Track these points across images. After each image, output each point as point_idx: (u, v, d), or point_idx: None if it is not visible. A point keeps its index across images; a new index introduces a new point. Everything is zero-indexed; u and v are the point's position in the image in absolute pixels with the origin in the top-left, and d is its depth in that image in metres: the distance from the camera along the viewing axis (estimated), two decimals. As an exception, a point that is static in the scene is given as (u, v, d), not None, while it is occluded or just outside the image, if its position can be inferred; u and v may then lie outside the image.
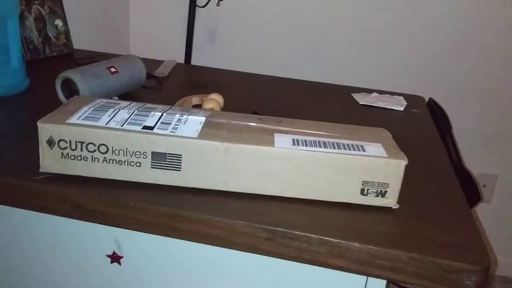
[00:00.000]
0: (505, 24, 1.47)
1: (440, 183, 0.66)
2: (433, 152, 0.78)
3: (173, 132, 0.56)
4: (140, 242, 0.60)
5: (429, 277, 0.50)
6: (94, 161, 0.55)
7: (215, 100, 0.83)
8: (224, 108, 0.86)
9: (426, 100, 1.08)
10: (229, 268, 0.59)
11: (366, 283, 0.57)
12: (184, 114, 0.60)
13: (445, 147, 0.83)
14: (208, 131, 0.57)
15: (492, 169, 1.62)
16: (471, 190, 1.03)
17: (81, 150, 0.55)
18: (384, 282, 0.57)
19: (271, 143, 0.55)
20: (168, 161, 0.55)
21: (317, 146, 0.55)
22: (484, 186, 1.62)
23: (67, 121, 0.55)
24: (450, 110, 1.55)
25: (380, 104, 0.98)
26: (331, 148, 0.55)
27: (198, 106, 0.88)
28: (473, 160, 1.61)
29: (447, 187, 0.65)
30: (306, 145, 0.55)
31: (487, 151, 1.61)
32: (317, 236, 0.50)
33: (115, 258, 0.63)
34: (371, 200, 0.56)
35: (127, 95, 0.89)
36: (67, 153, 0.55)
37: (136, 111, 0.60)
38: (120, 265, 0.63)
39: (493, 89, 1.54)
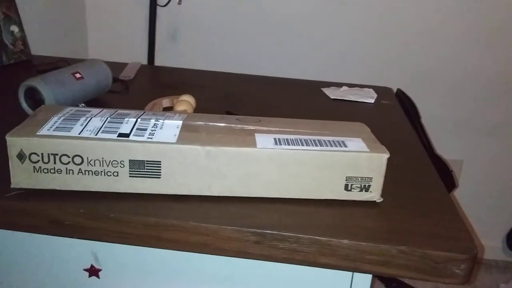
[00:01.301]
0: (469, 14, 1.51)
1: (418, 173, 0.67)
2: (407, 142, 0.79)
3: (150, 138, 0.54)
4: (118, 253, 0.58)
5: (419, 268, 0.50)
6: (69, 173, 0.53)
7: (187, 102, 0.81)
8: (196, 109, 0.84)
9: (394, 90, 1.09)
10: (217, 275, 0.57)
11: (352, 277, 0.57)
12: (160, 119, 0.58)
13: (417, 136, 0.85)
14: (187, 134, 0.55)
15: (457, 155, 1.66)
16: (446, 177, 1.05)
17: (54, 163, 0.52)
18: (370, 275, 0.57)
19: (253, 144, 0.54)
20: (147, 169, 0.53)
21: (299, 145, 0.55)
22: (451, 171, 1.66)
23: (37, 133, 0.52)
24: (413, 98, 1.58)
25: (351, 98, 0.98)
26: (313, 145, 0.55)
27: (169, 109, 0.86)
28: (439, 147, 1.64)
29: (425, 176, 0.66)
30: (288, 144, 0.55)
31: (452, 138, 1.65)
32: (307, 236, 0.49)
33: (93, 271, 0.61)
34: (356, 195, 0.56)
35: (94, 101, 0.86)
36: (40, 167, 0.52)
37: (109, 118, 0.57)
38: (99, 278, 0.61)
39: (455, 76, 1.58)
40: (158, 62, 1.58)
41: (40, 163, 0.52)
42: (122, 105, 0.86)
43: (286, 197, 0.56)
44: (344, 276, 0.56)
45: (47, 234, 0.54)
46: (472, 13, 1.50)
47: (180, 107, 0.80)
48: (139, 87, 0.99)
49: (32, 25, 1.30)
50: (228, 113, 0.85)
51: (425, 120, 1.59)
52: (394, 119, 0.90)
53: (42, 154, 0.52)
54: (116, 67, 1.10)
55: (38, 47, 1.25)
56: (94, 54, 1.66)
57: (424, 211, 0.56)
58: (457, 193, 1.72)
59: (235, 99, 0.95)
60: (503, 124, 1.63)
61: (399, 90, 1.08)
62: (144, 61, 1.56)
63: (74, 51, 1.59)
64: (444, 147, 1.65)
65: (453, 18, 1.51)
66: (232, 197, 0.55)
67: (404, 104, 1.00)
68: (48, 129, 0.53)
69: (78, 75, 0.81)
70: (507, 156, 1.67)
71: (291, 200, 0.56)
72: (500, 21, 1.50)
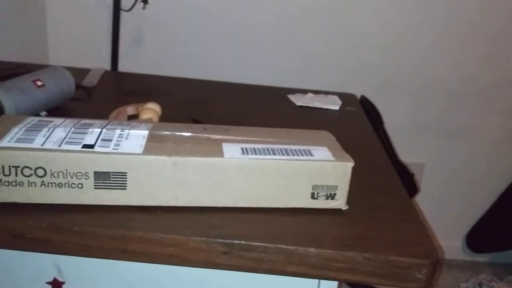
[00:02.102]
0: (432, 22, 1.55)
1: (382, 180, 0.68)
2: (371, 148, 0.81)
3: (116, 149, 0.53)
4: (82, 265, 0.57)
5: (383, 274, 0.51)
6: (31, 186, 0.52)
7: (152, 110, 0.81)
8: (162, 117, 0.83)
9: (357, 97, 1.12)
10: (186, 286, 0.57)
11: (319, 284, 0.58)
12: (125, 129, 0.58)
13: (380, 142, 0.87)
14: (153, 145, 0.55)
15: (419, 158, 1.71)
16: (408, 183, 1.08)
17: (16, 175, 0.51)
18: (336, 282, 0.58)
19: (220, 154, 0.54)
20: (112, 180, 0.53)
21: (266, 154, 0.55)
22: (413, 174, 1.71)
23: (-3, 145, 0.51)
24: (376, 104, 1.61)
25: (316, 104, 1.00)
26: (280, 154, 0.56)
27: (134, 117, 0.85)
28: (401, 150, 1.69)
29: (389, 183, 0.68)
30: (255, 153, 0.55)
31: (414, 141, 1.69)
32: (274, 245, 0.50)
33: (56, 284, 0.59)
34: (322, 203, 0.57)
35: (56, 109, 0.84)
36: (0, 180, 0.51)
37: (72, 128, 0.56)
38: (63, 291, 0.59)
39: (417, 82, 1.62)
40: (121, 67, 1.56)
41: (1, 176, 0.51)
42: (85, 113, 0.85)
43: (253, 207, 0.56)
44: (311, 283, 0.57)
45: (8, 249, 0.52)
46: (435, 21, 1.55)
47: (145, 115, 0.79)
48: (103, 94, 0.98)
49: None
50: (195, 120, 0.85)
51: (387, 123, 1.63)
52: (358, 125, 0.92)
53: (2, 166, 0.50)
54: (79, 73, 1.08)
55: (-4, 52, 1.21)
56: (55, 59, 1.62)
57: (388, 217, 0.58)
58: (419, 195, 1.77)
59: (201, 106, 0.95)
60: (463, 128, 1.68)
61: (362, 97, 1.11)
62: (107, 66, 1.54)
63: (34, 56, 1.55)
64: (406, 150, 1.69)
65: (416, 26, 1.56)
66: (199, 207, 0.55)
67: (367, 110, 1.02)
68: (9, 141, 0.52)
69: (39, 83, 0.79)
70: (467, 159, 1.73)
71: (258, 209, 0.56)
72: (463, 28, 1.55)
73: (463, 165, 1.74)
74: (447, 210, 1.81)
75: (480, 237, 1.82)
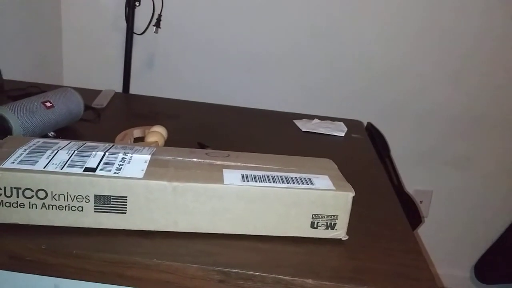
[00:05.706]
0: (436, 50, 1.56)
1: (384, 210, 0.68)
2: (375, 177, 0.80)
3: (117, 173, 0.53)
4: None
5: (382, 308, 0.50)
6: (32, 207, 0.52)
7: (158, 133, 0.81)
8: (168, 140, 0.84)
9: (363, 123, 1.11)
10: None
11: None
12: (128, 153, 0.58)
13: (385, 170, 0.86)
14: (154, 170, 0.55)
15: (427, 185, 1.69)
16: (412, 213, 1.07)
17: (17, 197, 0.51)
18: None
19: (220, 180, 0.54)
20: (112, 204, 0.53)
21: (266, 181, 0.55)
22: (421, 201, 1.69)
23: (1, 166, 0.51)
24: (383, 131, 1.61)
25: (322, 130, 1.00)
26: (280, 182, 0.55)
27: (141, 139, 0.86)
28: (409, 177, 1.67)
29: (391, 213, 0.67)
30: (255, 181, 0.55)
31: (421, 168, 1.68)
32: (271, 275, 0.49)
33: (55, 306, 0.59)
34: (321, 233, 0.57)
35: (64, 130, 0.85)
36: (1, 201, 0.51)
37: (76, 151, 0.57)
38: (62, 313, 0.59)
39: (422, 107, 1.62)
40: (133, 89, 1.58)
41: (2, 197, 0.51)
42: (92, 134, 0.86)
43: (252, 234, 0.56)
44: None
45: (6, 270, 0.52)
46: (440, 48, 1.55)
47: (151, 138, 0.80)
48: (111, 116, 0.99)
49: (6, 49, 1.29)
50: (200, 144, 0.85)
51: (395, 150, 1.62)
52: (363, 153, 0.92)
53: (4, 187, 0.51)
54: (90, 94, 1.09)
55: (13, 72, 1.24)
56: (69, 80, 1.64)
57: (388, 249, 0.57)
58: (426, 223, 1.74)
59: (208, 130, 0.95)
60: (471, 155, 1.67)
61: (369, 124, 1.10)
62: (119, 88, 1.56)
63: (49, 77, 1.58)
64: (413, 178, 1.68)
65: (422, 53, 1.56)
66: (198, 233, 0.55)
67: (373, 138, 1.02)
68: (12, 162, 0.53)
69: (48, 104, 0.80)
70: (476, 187, 1.71)
71: (257, 237, 0.56)
72: (466, 57, 1.55)
73: (472, 193, 1.72)
74: (455, 239, 1.79)
75: (489, 267, 1.78)
